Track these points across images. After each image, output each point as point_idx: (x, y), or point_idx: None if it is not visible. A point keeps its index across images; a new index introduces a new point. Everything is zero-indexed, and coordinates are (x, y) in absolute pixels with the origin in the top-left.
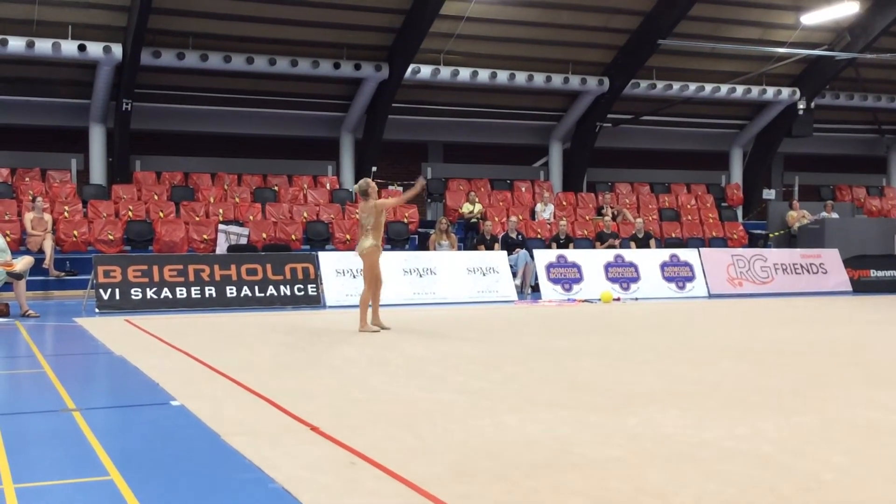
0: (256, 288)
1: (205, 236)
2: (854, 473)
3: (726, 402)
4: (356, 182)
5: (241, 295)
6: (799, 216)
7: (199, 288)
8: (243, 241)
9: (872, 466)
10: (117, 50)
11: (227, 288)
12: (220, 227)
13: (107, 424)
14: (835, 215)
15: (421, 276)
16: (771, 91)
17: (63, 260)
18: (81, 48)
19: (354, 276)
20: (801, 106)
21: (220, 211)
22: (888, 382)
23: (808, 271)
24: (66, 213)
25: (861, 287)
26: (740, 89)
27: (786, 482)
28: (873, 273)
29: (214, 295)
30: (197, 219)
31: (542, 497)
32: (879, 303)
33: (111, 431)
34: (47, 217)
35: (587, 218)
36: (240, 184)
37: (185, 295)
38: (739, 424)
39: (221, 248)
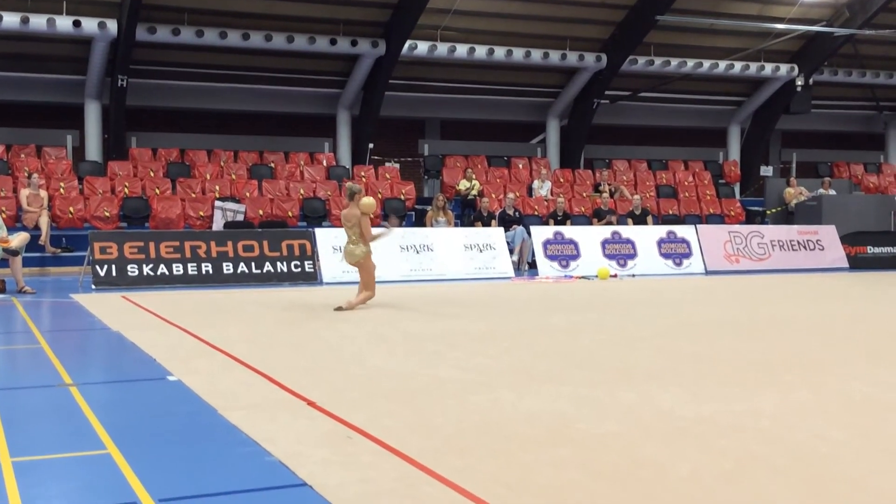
0: (253, 264)
1: (201, 213)
2: (850, 447)
3: (724, 378)
4: (353, 159)
5: (238, 271)
6: (796, 193)
7: (195, 264)
8: (240, 217)
9: (868, 440)
10: (112, 25)
11: (224, 264)
12: (217, 203)
13: (104, 399)
14: (832, 192)
15: (418, 252)
16: (769, 67)
17: (59, 236)
18: (76, 24)
19: None
20: (800, 82)
21: (217, 187)
22: (884, 358)
23: (805, 248)
24: (62, 190)
25: (858, 263)
26: (738, 65)
27: (782, 456)
28: (870, 249)
29: (211, 271)
30: (193, 195)
31: (539, 471)
32: (876, 279)
33: (108, 406)
34: (43, 193)
35: (584, 195)
36: (236, 160)
37: (181, 271)
38: (737, 400)
39: (218, 224)
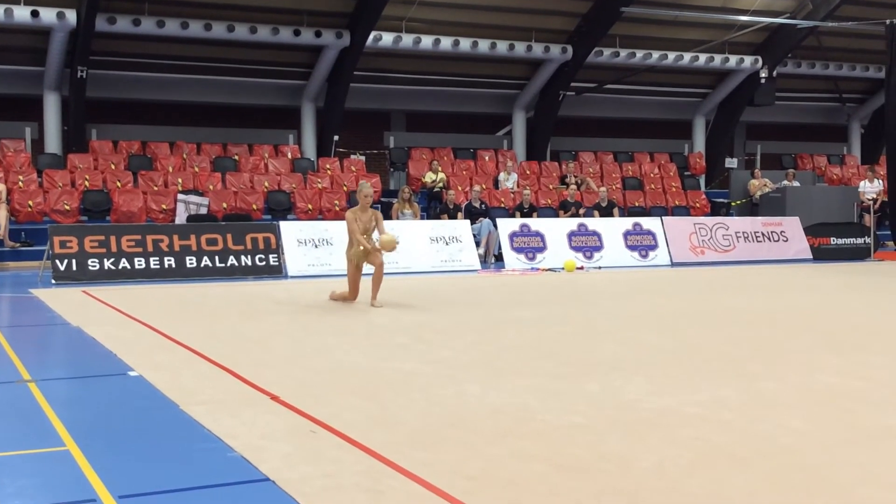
0: (217, 258)
1: (164, 206)
2: (812, 437)
3: (688, 369)
4: (317, 152)
5: (201, 265)
6: (761, 185)
7: (157, 258)
8: (203, 210)
9: (829, 430)
10: (71, 16)
11: (187, 258)
12: (180, 196)
13: (63, 395)
14: (796, 184)
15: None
16: (733, 59)
17: (18, 231)
18: (34, 14)
19: (316, 246)
20: (764, 74)
21: (179, 180)
22: (846, 348)
23: (769, 239)
24: (20, 183)
25: (821, 254)
26: (703, 58)
27: (745, 447)
28: (833, 241)
29: (174, 265)
30: (155, 188)
31: (503, 463)
32: (839, 270)
33: (67, 402)
34: (1, 187)
35: (551, 187)
36: (199, 153)
37: (143, 266)
38: (700, 391)
39: (181, 218)
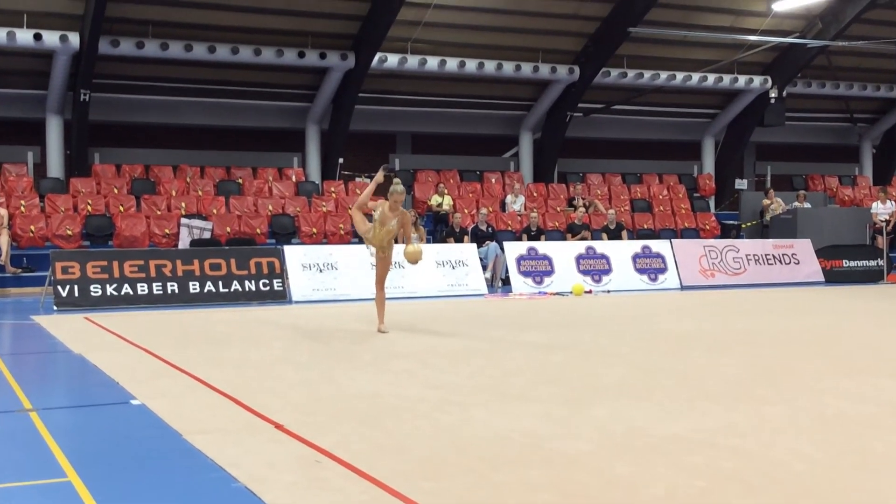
0: (220, 283)
1: (167, 230)
2: (824, 463)
3: (697, 394)
4: (322, 175)
5: (205, 291)
6: (774, 204)
7: (160, 284)
8: (206, 235)
9: (842, 456)
10: (74, 39)
11: (190, 283)
12: (183, 220)
13: (65, 425)
14: (807, 205)
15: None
16: (742, 79)
17: (20, 256)
18: (37, 37)
19: (321, 271)
20: (773, 94)
21: (183, 204)
22: (858, 372)
23: (780, 262)
24: (22, 208)
25: (834, 277)
26: (712, 78)
27: (756, 473)
28: (846, 263)
29: (177, 291)
30: (158, 213)
31: (510, 492)
32: (852, 293)
33: (69, 432)
34: (3, 212)
35: (558, 209)
36: (202, 176)
37: (146, 291)
38: (710, 416)
39: (184, 242)
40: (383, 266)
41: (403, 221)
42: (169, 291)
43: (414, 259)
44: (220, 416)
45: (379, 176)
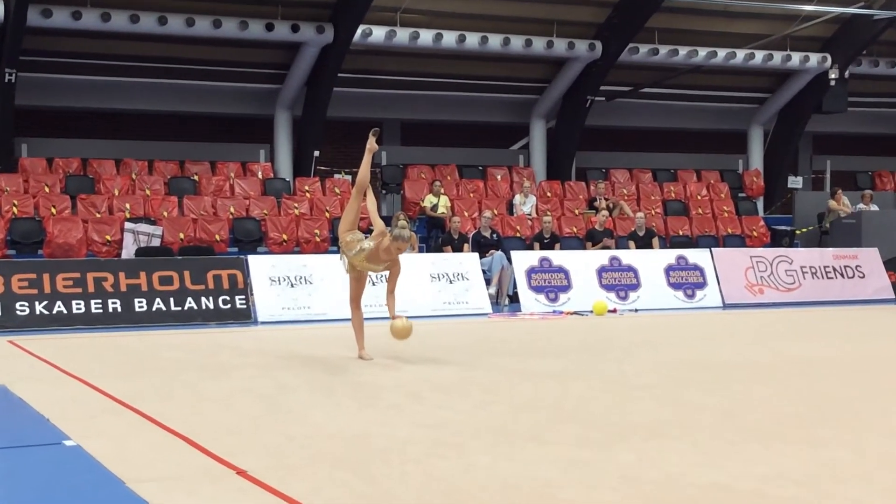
0: (172, 300)
1: (108, 237)
2: None
3: (742, 434)
4: (294, 170)
5: (153, 309)
6: (841, 207)
7: (100, 301)
8: (155, 242)
9: None
10: None
11: (136, 301)
12: (127, 225)
13: None
14: (874, 207)
15: (374, 283)
16: (797, 57)
17: None
18: None
19: (292, 285)
20: (834, 75)
21: (127, 206)
22: None
23: (842, 275)
24: None
25: None
26: (760, 55)
27: None
28: None
29: (119, 309)
30: (98, 215)
31: None
32: None
33: None
34: None
35: (577, 212)
36: (151, 172)
37: (82, 310)
38: (759, 461)
39: (128, 251)
40: (358, 284)
41: (394, 272)
42: (110, 310)
43: (403, 337)
44: (170, 461)
45: (371, 143)
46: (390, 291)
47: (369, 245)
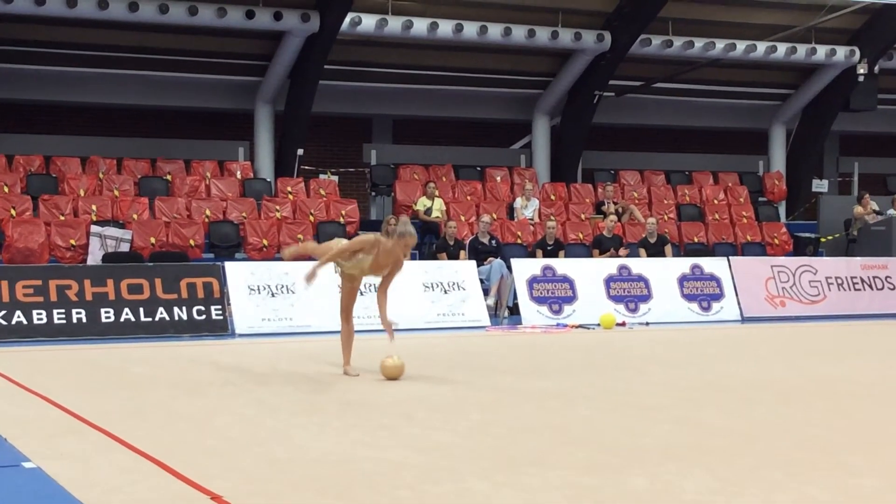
0: (142, 311)
1: (72, 241)
2: None
3: (764, 461)
4: (276, 170)
5: (122, 320)
6: (868, 213)
7: (63, 311)
8: (124, 247)
9: None
10: None
11: (103, 311)
12: (93, 229)
13: None
14: None
15: (362, 293)
16: (822, 51)
17: None
18: None
19: (273, 295)
20: (862, 70)
21: (94, 207)
22: None
23: (871, 286)
24: None
25: None
26: (782, 48)
27: None
28: None
29: (85, 320)
30: (62, 218)
31: None
32: None
33: None
34: None
35: (583, 217)
36: (120, 171)
37: (44, 320)
38: (781, 489)
39: (95, 257)
40: (349, 296)
41: (393, 272)
42: (74, 321)
43: (394, 377)
44: (140, 484)
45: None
46: (384, 290)
47: (369, 258)
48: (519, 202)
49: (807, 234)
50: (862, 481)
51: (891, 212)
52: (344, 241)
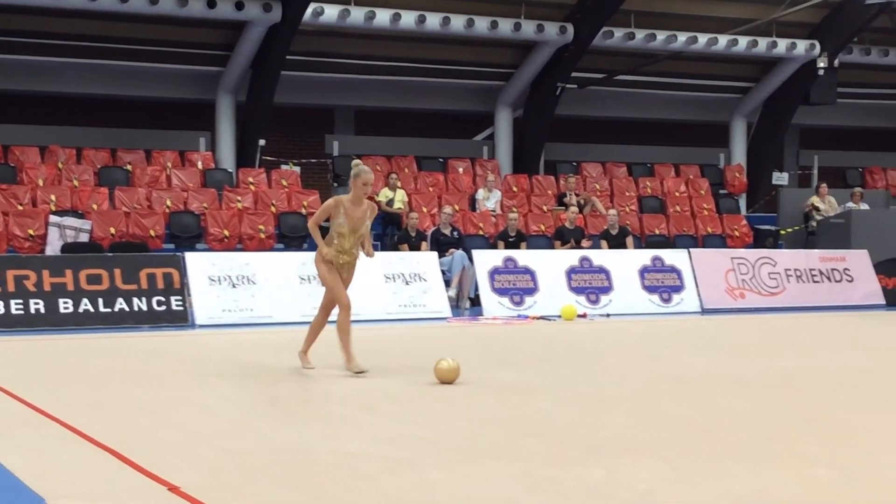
0: (101, 301)
1: (30, 231)
2: None
3: (720, 451)
4: (237, 160)
5: (80, 311)
6: (826, 205)
7: (21, 301)
8: (84, 237)
9: None
10: None
11: (61, 301)
12: (52, 219)
13: None
14: (864, 206)
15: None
16: (783, 44)
17: None
18: None
19: (234, 286)
20: (822, 64)
21: (52, 197)
22: None
23: (829, 279)
24: None
25: None
26: (743, 42)
27: None
28: None
29: (43, 311)
30: (20, 208)
31: None
32: None
33: None
34: None
35: (545, 209)
36: (79, 161)
37: (2, 311)
38: (737, 479)
39: (53, 247)
40: (330, 295)
41: (371, 215)
42: (32, 311)
43: (450, 380)
44: (96, 476)
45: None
46: (368, 247)
47: (339, 220)
48: (481, 193)
49: (766, 227)
50: (815, 471)
51: (849, 205)
52: (320, 216)
